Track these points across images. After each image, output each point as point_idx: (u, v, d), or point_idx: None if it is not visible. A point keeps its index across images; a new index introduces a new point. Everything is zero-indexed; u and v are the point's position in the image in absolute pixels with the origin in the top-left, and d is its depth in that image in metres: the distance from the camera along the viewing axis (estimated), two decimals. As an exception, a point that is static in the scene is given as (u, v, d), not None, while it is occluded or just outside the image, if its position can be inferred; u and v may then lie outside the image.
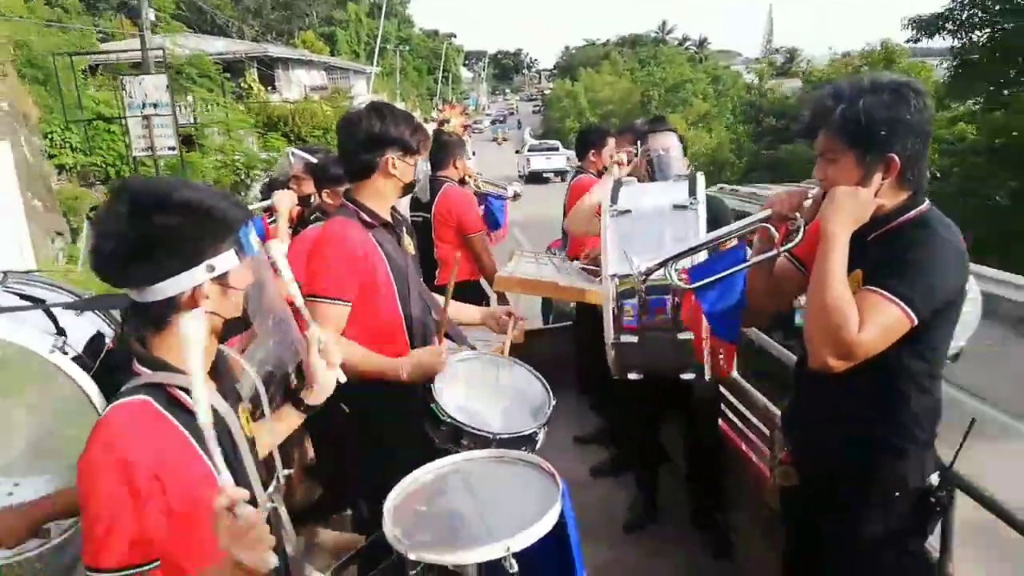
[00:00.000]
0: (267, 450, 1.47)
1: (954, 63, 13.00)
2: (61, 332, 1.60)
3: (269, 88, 24.95)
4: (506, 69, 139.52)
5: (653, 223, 2.01)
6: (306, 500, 2.65)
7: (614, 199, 2.04)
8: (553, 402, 1.95)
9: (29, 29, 11.90)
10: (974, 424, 1.55)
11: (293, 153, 3.66)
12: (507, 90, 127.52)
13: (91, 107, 11.73)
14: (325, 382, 1.48)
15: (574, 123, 44.61)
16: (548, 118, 59.62)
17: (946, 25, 12.27)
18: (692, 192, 2.05)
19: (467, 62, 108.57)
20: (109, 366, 1.61)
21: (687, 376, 1.99)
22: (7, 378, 1.59)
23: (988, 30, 11.99)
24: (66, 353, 1.55)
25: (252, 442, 1.33)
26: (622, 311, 1.91)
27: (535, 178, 22.34)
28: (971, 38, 12.11)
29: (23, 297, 1.70)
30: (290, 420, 1.61)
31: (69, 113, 10.86)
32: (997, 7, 11.72)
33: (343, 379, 1.53)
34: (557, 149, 25.66)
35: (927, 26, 12.57)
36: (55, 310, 1.64)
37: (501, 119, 69.21)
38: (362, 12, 46.95)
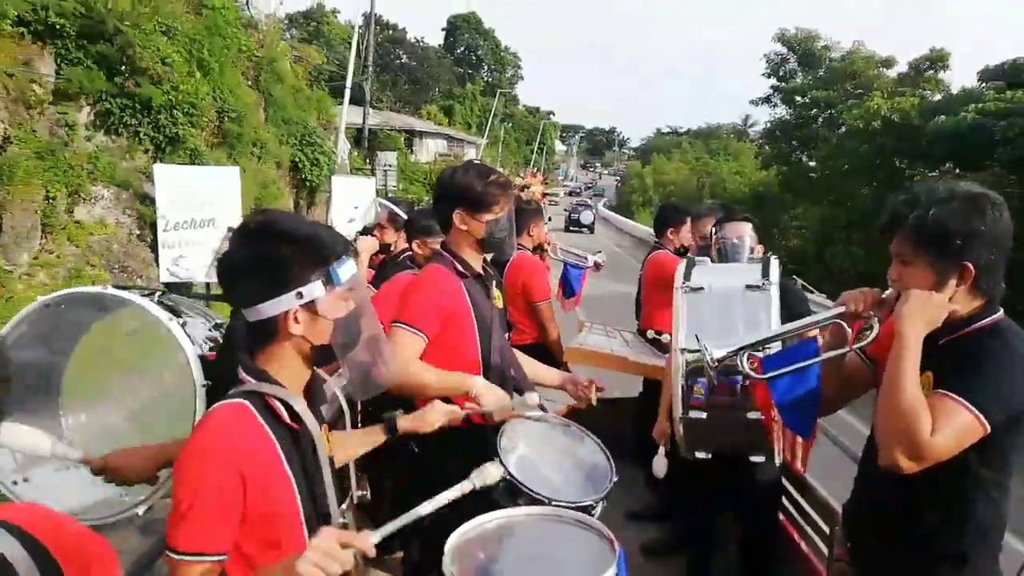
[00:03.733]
0: (340, 464, 1.44)
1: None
2: (178, 315, 1.79)
3: (408, 151, 29.38)
4: (599, 145, 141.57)
5: (725, 302, 1.89)
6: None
7: (687, 276, 1.93)
8: (615, 478, 1.79)
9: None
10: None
11: (380, 203, 3.73)
12: (597, 164, 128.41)
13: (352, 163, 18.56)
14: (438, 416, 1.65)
15: (638, 198, 49.13)
16: (621, 192, 64.77)
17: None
18: (766, 274, 1.93)
19: (563, 134, 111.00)
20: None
21: (756, 458, 1.83)
22: (137, 344, 1.81)
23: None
24: (184, 326, 1.73)
25: (331, 460, 1.32)
26: (691, 388, 1.79)
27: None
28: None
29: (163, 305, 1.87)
30: (376, 439, 1.61)
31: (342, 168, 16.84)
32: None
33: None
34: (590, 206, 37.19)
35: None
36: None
37: (579, 191, 67.00)
38: (477, 90, 49.82)
